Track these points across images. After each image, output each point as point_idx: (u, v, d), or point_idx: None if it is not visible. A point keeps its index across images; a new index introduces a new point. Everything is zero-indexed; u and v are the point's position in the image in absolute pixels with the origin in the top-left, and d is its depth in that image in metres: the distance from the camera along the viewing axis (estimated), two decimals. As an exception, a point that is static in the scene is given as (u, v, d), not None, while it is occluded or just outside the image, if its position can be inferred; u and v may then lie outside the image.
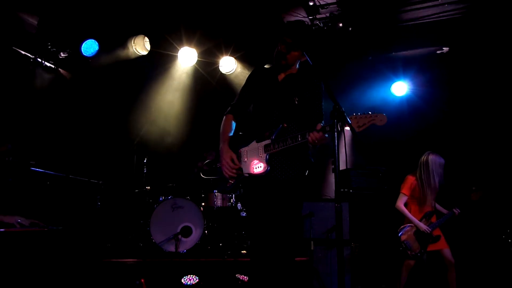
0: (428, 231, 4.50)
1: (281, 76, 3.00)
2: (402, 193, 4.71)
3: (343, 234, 5.11)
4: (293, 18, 5.53)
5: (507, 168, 5.51)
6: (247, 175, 2.86)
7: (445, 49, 5.95)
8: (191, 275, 4.41)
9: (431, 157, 4.66)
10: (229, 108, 3.13)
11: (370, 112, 2.51)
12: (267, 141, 2.81)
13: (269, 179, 2.81)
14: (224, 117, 3.10)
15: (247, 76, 3.18)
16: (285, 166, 2.83)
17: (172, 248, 4.99)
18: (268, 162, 2.78)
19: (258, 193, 2.86)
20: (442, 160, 4.68)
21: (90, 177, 5.56)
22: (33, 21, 5.36)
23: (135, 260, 4.57)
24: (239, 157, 2.91)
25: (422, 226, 4.52)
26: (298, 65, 3.02)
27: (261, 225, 2.83)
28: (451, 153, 5.11)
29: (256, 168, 2.81)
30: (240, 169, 2.89)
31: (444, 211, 4.73)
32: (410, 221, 4.61)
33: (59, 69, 6.04)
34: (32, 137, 5.49)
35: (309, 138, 2.59)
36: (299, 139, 2.66)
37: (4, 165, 4.36)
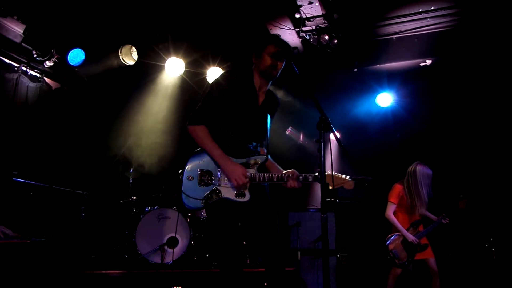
0: (416, 242, 4.52)
1: (260, 99, 2.90)
2: (391, 201, 4.71)
3: (329, 243, 5.17)
4: (279, 30, 5.60)
5: (491, 176, 5.62)
6: (225, 198, 2.69)
7: (428, 61, 6.10)
8: (177, 287, 4.36)
9: (419, 168, 4.66)
10: (199, 116, 2.75)
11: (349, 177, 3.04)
12: (252, 171, 2.73)
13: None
14: (197, 128, 2.73)
15: (219, 83, 2.78)
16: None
17: (157, 259, 4.94)
18: (250, 191, 2.70)
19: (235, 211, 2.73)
20: (430, 171, 4.68)
21: (75, 187, 5.48)
22: (19, 30, 5.30)
23: (120, 272, 4.51)
24: (215, 177, 2.71)
25: (410, 237, 4.54)
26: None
27: (243, 235, 2.77)
28: (434, 163, 5.19)
29: (238, 195, 2.69)
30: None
31: (433, 217, 4.71)
32: (398, 230, 4.63)
33: (45, 78, 5.97)
34: (14, 146, 5.39)
35: (287, 185, 2.72)
36: (284, 179, 2.70)
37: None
